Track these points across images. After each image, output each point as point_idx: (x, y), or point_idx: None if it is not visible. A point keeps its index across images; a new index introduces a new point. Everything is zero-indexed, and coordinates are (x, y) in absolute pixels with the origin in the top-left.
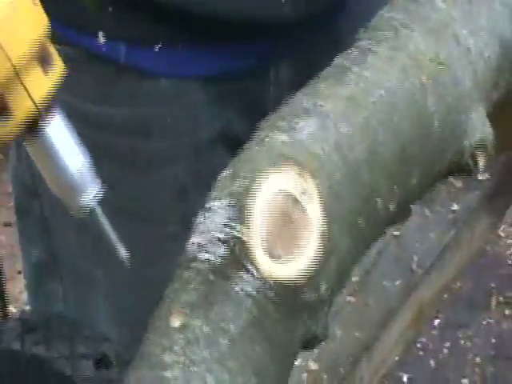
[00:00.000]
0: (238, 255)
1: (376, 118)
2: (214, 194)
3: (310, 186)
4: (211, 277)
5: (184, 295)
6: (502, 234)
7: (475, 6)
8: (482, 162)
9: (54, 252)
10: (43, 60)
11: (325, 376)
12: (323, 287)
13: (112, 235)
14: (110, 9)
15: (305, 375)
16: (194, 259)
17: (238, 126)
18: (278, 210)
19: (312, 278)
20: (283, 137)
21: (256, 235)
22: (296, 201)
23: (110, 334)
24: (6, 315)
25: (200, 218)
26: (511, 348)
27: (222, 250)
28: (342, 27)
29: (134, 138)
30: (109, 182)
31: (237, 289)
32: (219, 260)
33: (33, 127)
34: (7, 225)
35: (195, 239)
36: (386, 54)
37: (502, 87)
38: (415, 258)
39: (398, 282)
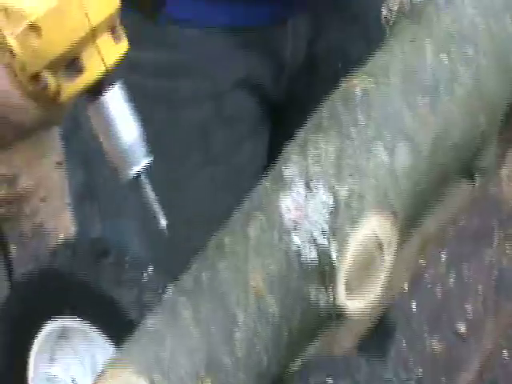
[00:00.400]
0: (325, 272)
1: (444, 158)
2: (315, 167)
3: (395, 235)
4: (296, 267)
5: (267, 260)
6: (503, 176)
7: None
8: (478, 181)
9: (93, 179)
10: (113, 30)
11: None
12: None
13: (154, 204)
14: None
15: None
16: (288, 232)
17: (259, 72)
18: (366, 250)
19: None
20: (386, 158)
21: (344, 268)
22: (381, 247)
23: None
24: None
25: (299, 183)
26: (511, 279)
27: (313, 255)
28: None
29: (160, 80)
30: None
31: (312, 297)
32: (308, 261)
33: (96, 90)
34: (59, 164)
35: (292, 210)
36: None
37: None
38: None
39: None
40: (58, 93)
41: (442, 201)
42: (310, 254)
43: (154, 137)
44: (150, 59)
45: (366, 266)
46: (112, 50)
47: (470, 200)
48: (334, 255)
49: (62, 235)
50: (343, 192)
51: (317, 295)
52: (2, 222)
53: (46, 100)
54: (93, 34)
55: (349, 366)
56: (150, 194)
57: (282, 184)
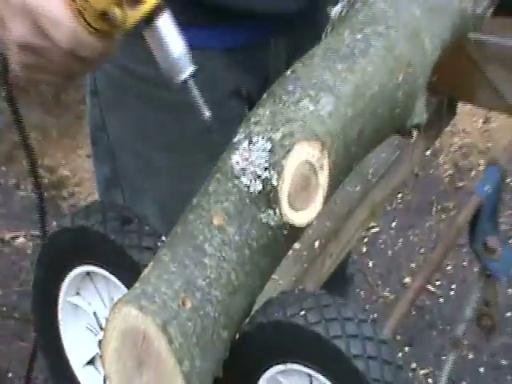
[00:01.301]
0: (270, 197)
1: (368, 108)
2: (255, 126)
3: (325, 161)
4: (247, 200)
5: (225, 203)
6: (440, 161)
7: (436, 13)
8: (415, 135)
9: (117, 171)
10: None
11: (304, 253)
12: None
13: (200, 100)
14: None
15: (291, 252)
16: (238, 178)
17: (247, 83)
18: (302, 173)
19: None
20: (311, 107)
21: (285, 189)
22: (315, 170)
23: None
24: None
25: (244, 142)
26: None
27: (259, 187)
28: (323, 18)
29: (166, 90)
30: (150, 121)
31: (263, 219)
32: (256, 192)
33: (152, 17)
34: (89, 156)
35: (240, 161)
36: (380, 54)
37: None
38: (370, 171)
39: (358, 188)
40: (123, 22)
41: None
42: (257, 187)
43: (167, 137)
44: (161, 74)
45: (305, 187)
46: None
47: (414, 178)
48: (274, 182)
49: None
50: (277, 136)
51: (267, 216)
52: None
53: (111, 32)
54: None
55: (319, 301)
56: (196, 92)
57: (232, 146)
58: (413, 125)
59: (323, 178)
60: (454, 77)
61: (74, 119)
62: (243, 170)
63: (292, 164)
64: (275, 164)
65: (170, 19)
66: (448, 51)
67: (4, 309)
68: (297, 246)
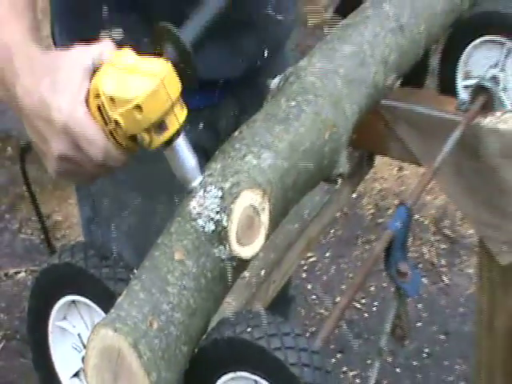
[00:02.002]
0: (221, 235)
1: (301, 162)
2: (209, 178)
3: (266, 204)
4: (203, 238)
5: (184, 241)
6: (364, 202)
7: (355, 84)
8: (340, 182)
9: (96, 211)
10: (180, 101)
11: (252, 280)
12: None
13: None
14: None
15: (241, 279)
16: (195, 220)
17: (203, 138)
18: (247, 215)
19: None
20: (254, 161)
21: (233, 228)
22: (258, 212)
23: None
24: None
25: (200, 191)
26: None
27: (212, 227)
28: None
29: None
30: (122, 169)
31: (216, 253)
32: (210, 232)
33: (171, 139)
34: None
35: (197, 207)
36: (310, 118)
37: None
38: (306, 211)
39: (296, 225)
40: (149, 144)
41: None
42: (210, 227)
43: (136, 181)
44: None
45: (250, 226)
46: (181, 113)
47: (343, 216)
48: (225, 223)
49: None
50: (227, 186)
51: (219, 251)
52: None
53: (136, 149)
54: (172, 106)
55: (262, 320)
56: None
57: (190, 195)
58: (337, 174)
59: (265, 218)
60: (371, 135)
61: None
62: (199, 213)
63: (239, 208)
64: (225, 208)
65: (185, 139)
66: (365, 114)
67: (8, 332)
68: (246, 274)
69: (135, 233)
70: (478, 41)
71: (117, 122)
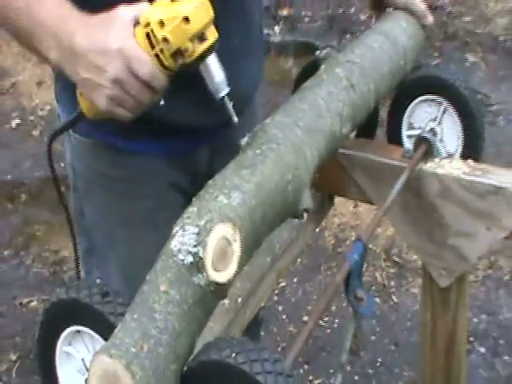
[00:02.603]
0: (199, 265)
1: (267, 199)
2: (187, 219)
3: (237, 236)
4: (183, 270)
5: (168, 274)
6: (326, 235)
7: (313, 133)
8: (305, 216)
9: (91, 244)
10: (213, 23)
11: (231, 306)
12: (233, 282)
13: (231, 110)
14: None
15: (221, 306)
16: (176, 256)
17: (181, 180)
18: (220, 246)
19: (231, 281)
20: (225, 201)
21: (209, 258)
22: (230, 242)
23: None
24: None
25: (179, 230)
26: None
27: (191, 259)
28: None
29: (123, 184)
30: (111, 205)
31: (195, 281)
32: (189, 264)
33: (207, 53)
34: None
35: (177, 244)
36: (273, 162)
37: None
38: (277, 246)
39: (268, 259)
40: (191, 55)
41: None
42: (189, 260)
43: (124, 216)
44: (121, 174)
45: (224, 255)
46: (214, 30)
47: (308, 248)
48: (201, 255)
49: None
50: (202, 223)
51: (198, 279)
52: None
53: (174, 70)
54: (210, 20)
55: (245, 346)
56: (229, 105)
57: (172, 236)
58: (303, 209)
59: (237, 247)
60: (331, 179)
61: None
62: (179, 249)
63: (213, 240)
64: (201, 242)
65: (215, 57)
66: (326, 159)
67: (23, 352)
68: (226, 301)
69: (124, 262)
70: (420, 98)
71: (165, 40)
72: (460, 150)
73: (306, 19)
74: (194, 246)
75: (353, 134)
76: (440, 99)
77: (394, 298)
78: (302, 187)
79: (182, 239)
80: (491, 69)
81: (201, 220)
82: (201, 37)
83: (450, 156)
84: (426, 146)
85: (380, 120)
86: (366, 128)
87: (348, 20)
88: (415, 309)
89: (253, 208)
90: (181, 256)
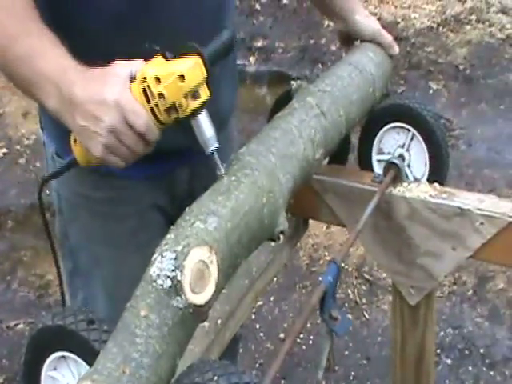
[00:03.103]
0: (177, 288)
1: (243, 222)
2: (165, 246)
3: (214, 258)
4: (162, 294)
5: (147, 299)
6: (300, 255)
7: (287, 158)
8: (282, 239)
9: (76, 265)
10: (205, 83)
11: (211, 328)
12: (211, 304)
13: (219, 162)
14: None
15: (201, 329)
16: (155, 282)
17: (162, 200)
18: (198, 268)
19: (209, 302)
20: (202, 226)
21: (187, 281)
22: (207, 264)
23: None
24: None
25: (158, 257)
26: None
27: (169, 283)
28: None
29: (107, 206)
30: (95, 227)
31: (174, 304)
32: (167, 287)
33: (198, 111)
34: None
35: (156, 270)
36: (248, 187)
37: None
38: (254, 269)
39: (246, 281)
40: (184, 110)
41: (268, 266)
42: (168, 284)
43: (107, 236)
44: (104, 196)
45: (201, 277)
46: (207, 90)
47: (284, 268)
48: (179, 278)
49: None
50: (179, 248)
51: (176, 302)
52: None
53: (167, 124)
54: (204, 80)
55: (226, 370)
56: (217, 159)
57: (151, 263)
58: (279, 231)
59: (213, 269)
60: (306, 204)
61: (56, 242)
62: (158, 275)
63: (190, 263)
64: (179, 266)
65: (206, 114)
66: (301, 183)
67: (10, 374)
68: (206, 324)
69: (108, 281)
70: (389, 125)
71: (161, 95)
72: (426, 174)
73: (280, 50)
74: (172, 270)
75: (326, 161)
76: (408, 127)
77: (365, 314)
78: (277, 210)
79: (160, 265)
80: (453, 96)
81: (178, 246)
82: (194, 94)
83: (417, 180)
84: (395, 171)
85: (351, 146)
86: (338, 155)
87: (319, 50)
88: (386, 324)
89: (229, 231)
90: (160, 281)
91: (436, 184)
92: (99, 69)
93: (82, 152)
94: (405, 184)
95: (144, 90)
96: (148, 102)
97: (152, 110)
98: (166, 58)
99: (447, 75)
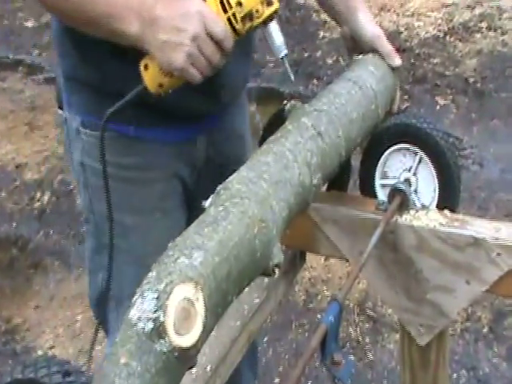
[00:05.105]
0: (160, 330)
1: (232, 255)
2: (146, 285)
3: (200, 295)
4: (144, 338)
5: (128, 345)
6: (296, 290)
7: (280, 184)
8: (277, 273)
9: (100, 239)
10: None
11: (199, 375)
12: (199, 346)
13: (289, 68)
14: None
15: (189, 376)
16: (135, 325)
17: (184, 171)
18: (182, 307)
19: (197, 345)
20: (186, 261)
21: (171, 322)
22: (192, 303)
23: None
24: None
25: (139, 298)
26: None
27: (151, 325)
28: (234, 118)
29: (133, 172)
30: (121, 195)
31: (157, 348)
32: (149, 330)
33: (270, 18)
34: (37, 307)
35: (136, 313)
36: (237, 217)
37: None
38: (246, 307)
39: (238, 323)
40: (261, 15)
41: (260, 306)
42: (149, 326)
43: (133, 204)
44: (133, 161)
45: (187, 317)
46: (276, 4)
47: (278, 304)
48: (162, 319)
49: None
50: (161, 287)
51: (160, 345)
52: None
53: (242, 33)
54: None
55: None
56: (287, 64)
57: (131, 305)
58: (273, 264)
59: (200, 308)
60: (302, 235)
61: (24, 280)
62: (139, 317)
63: (173, 302)
64: (161, 306)
65: (277, 22)
66: (296, 211)
67: None
68: (194, 370)
69: (136, 250)
70: (394, 147)
71: (239, 3)
72: (436, 201)
73: (270, 64)
74: (154, 311)
75: (324, 188)
76: (415, 149)
77: (369, 354)
78: (270, 241)
79: (141, 306)
80: (462, 112)
81: (160, 284)
82: (269, 1)
83: (425, 208)
84: (401, 198)
85: (352, 170)
86: (337, 180)
87: (314, 64)
88: (392, 366)
89: (217, 265)
90: (141, 324)
91: (446, 211)
92: None
93: (156, 75)
94: (412, 212)
95: (221, 2)
96: (225, 12)
97: (229, 19)
98: None
99: (456, 89)
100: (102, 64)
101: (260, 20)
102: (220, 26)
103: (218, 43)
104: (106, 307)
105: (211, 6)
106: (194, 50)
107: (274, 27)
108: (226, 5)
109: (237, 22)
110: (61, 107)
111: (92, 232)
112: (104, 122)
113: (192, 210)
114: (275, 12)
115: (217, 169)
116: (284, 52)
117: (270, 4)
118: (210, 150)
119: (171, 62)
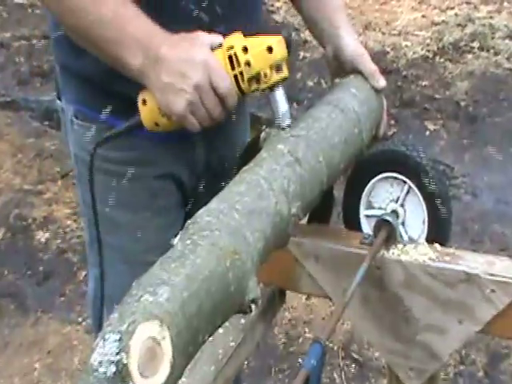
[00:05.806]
0: (123, 373)
1: (202, 289)
2: (107, 328)
3: (166, 333)
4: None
5: None
6: (276, 332)
7: (255, 214)
8: (254, 309)
9: (97, 235)
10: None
11: None
12: None
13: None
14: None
15: None
16: (96, 370)
17: (181, 173)
18: (147, 347)
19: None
20: (151, 298)
21: (134, 363)
22: (158, 341)
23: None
24: None
25: (100, 342)
26: None
27: (113, 369)
28: (236, 126)
29: (131, 166)
30: (114, 191)
31: None
32: (111, 374)
33: (277, 84)
34: None
35: (97, 357)
36: (206, 249)
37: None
38: (220, 351)
39: (212, 368)
40: (269, 80)
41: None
42: (112, 370)
43: (123, 200)
44: (125, 156)
45: (152, 357)
46: (287, 67)
47: (256, 347)
48: (125, 361)
49: None
50: (124, 327)
51: None
52: None
53: (246, 93)
54: (286, 56)
55: None
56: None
57: (93, 349)
58: (250, 300)
59: (166, 347)
60: (282, 271)
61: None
62: (100, 362)
63: (137, 342)
64: (124, 347)
65: (283, 89)
66: (274, 242)
67: None
68: None
69: (126, 246)
70: (381, 176)
71: (247, 63)
72: (425, 234)
73: None
74: (117, 353)
75: (305, 220)
76: (403, 178)
77: None
78: (245, 274)
79: (102, 350)
80: (453, 137)
81: (123, 325)
82: (278, 67)
83: (414, 241)
84: (388, 230)
85: (336, 202)
86: (319, 211)
87: (294, 87)
88: None
89: (185, 301)
90: (102, 369)
91: (437, 245)
92: (184, 34)
93: (153, 113)
94: (399, 245)
95: (230, 58)
96: (232, 69)
97: (235, 77)
98: (245, 35)
99: (446, 113)
100: (91, 54)
101: (267, 85)
102: (225, 82)
103: (220, 98)
104: (102, 310)
105: (219, 58)
106: (195, 99)
107: (280, 94)
108: (235, 62)
109: (243, 81)
110: (59, 98)
111: (87, 226)
112: (94, 148)
113: (189, 216)
114: (284, 79)
115: (218, 177)
116: (287, 122)
117: (279, 70)
118: (210, 157)
119: (171, 105)
